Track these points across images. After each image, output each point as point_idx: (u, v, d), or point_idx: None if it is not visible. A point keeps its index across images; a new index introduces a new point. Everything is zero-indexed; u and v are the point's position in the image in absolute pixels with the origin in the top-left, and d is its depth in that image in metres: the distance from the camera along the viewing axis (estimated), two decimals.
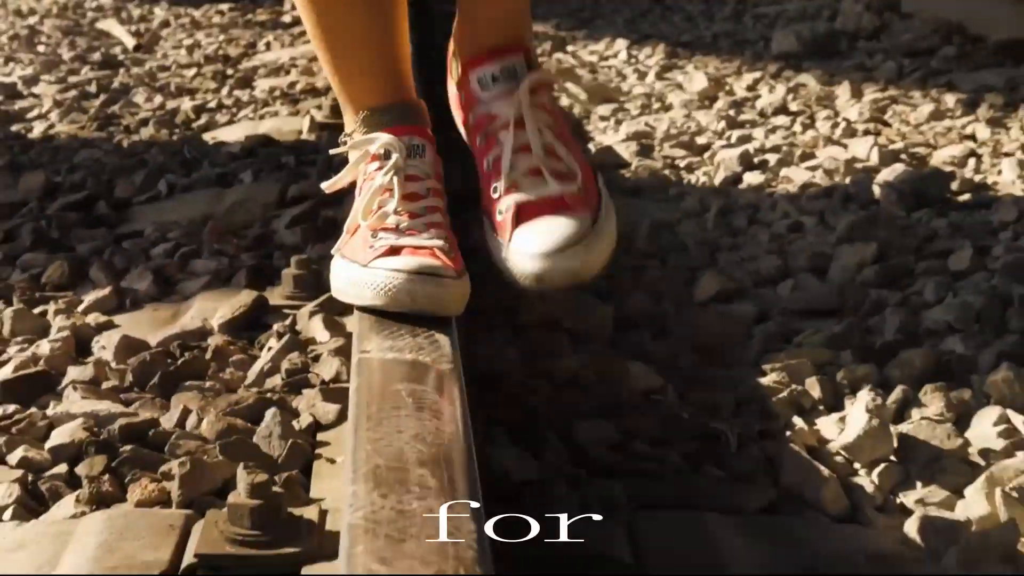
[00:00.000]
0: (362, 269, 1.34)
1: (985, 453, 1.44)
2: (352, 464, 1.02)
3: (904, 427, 1.48)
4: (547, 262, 1.30)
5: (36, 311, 1.83)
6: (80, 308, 1.85)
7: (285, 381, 1.52)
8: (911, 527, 1.28)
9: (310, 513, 1.18)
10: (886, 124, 3.04)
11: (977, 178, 2.56)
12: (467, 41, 1.44)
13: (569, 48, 4.23)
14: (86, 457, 1.37)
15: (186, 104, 3.31)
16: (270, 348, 1.61)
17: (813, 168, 2.63)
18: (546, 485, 1.24)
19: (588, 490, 1.26)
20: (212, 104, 3.32)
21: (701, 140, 2.92)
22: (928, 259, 2.06)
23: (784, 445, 1.41)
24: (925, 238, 2.17)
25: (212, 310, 1.77)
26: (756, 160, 2.71)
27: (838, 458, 1.43)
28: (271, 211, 2.27)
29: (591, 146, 2.91)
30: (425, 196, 1.38)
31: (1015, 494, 1.31)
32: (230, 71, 3.77)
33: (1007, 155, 2.70)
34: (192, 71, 3.78)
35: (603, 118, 3.20)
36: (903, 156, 2.68)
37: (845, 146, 2.79)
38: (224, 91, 3.50)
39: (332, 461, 1.34)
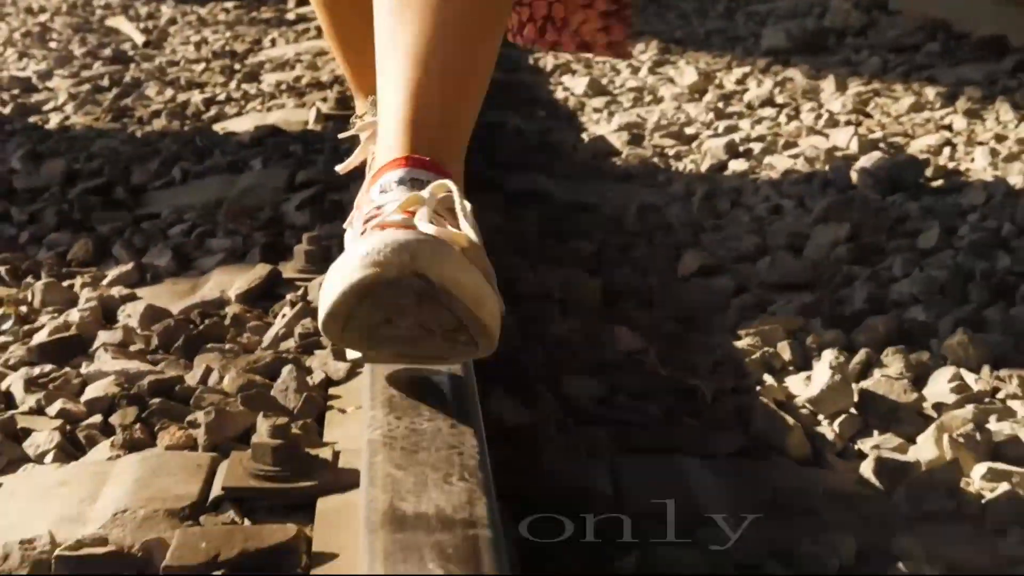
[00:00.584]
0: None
1: (938, 407, 1.58)
2: (370, 395, 1.16)
3: (865, 383, 1.62)
4: (387, 236, 1.09)
5: (64, 284, 1.97)
6: (105, 282, 1.98)
7: (299, 343, 1.65)
8: (866, 468, 1.42)
9: (324, 453, 1.31)
10: (868, 115, 3.18)
11: (951, 165, 2.69)
12: (379, 148, 1.30)
13: None
14: (118, 409, 1.50)
15: (196, 97, 3.45)
16: (284, 315, 1.74)
17: (795, 156, 2.76)
18: (536, 429, 1.38)
19: (575, 435, 1.40)
20: (221, 97, 3.45)
21: (690, 130, 3.05)
22: (899, 238, 2.19)
23: (755, 399, 1.55)
24: (897, 219, 2.30)
25: (229, 282, 1.91)
26: (741, 149, 2.84)
27: (803, 410, 1.57)
28: (280, 195, 2.40)
29: (584, 136, 3.05)
30: None
31: (961, 439, 1.45)
32: (237, 66, 3.90)
33: (980, 144, 2.84)
34: (201, 66, 3.91)
35: (596, 110, 3.34)
36: (881, 145, 2.82)
37: (827, 136, 2.93)
38: (232, 85, 3.63)
39: (343, 411, 1.47)
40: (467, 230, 1.16)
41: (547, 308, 1.79)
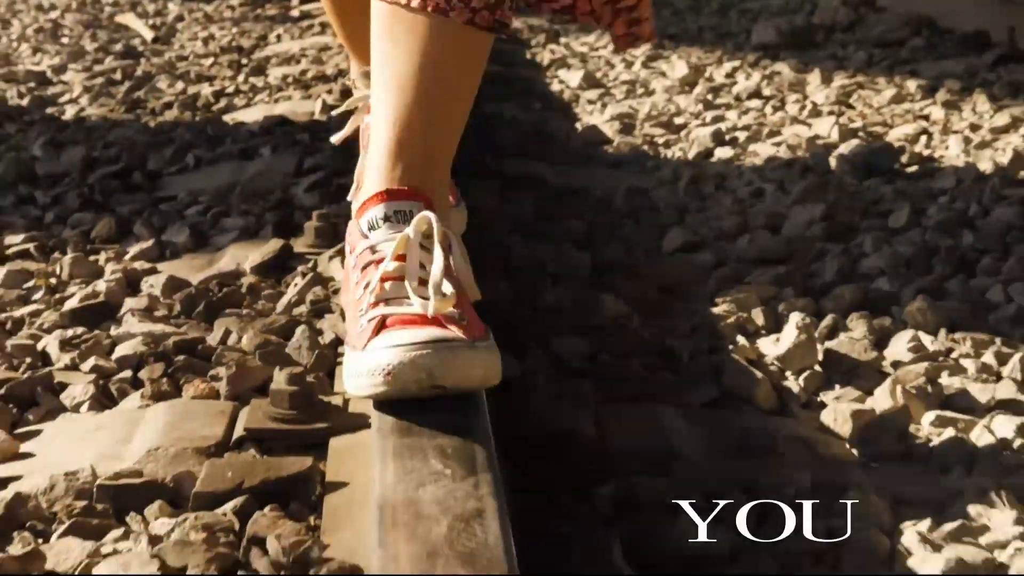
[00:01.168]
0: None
1: (896, 364, 1.72)
2: None
3: (829, 344, 1.76)
4: (401, 354, 1.20)
5: (90, 259, 2.11)
6: (127, 257, 2.12)
7: (310, 308, 1.80)
8: (826, 416, 1.56)
9: (336, 400, 1.46)
10: (850, 107, 3.32)
11: (926, 152, 2.83)
12: (365, 180, 1.42)
13: (562, 40, 4.51)
14: (146, 365, 1.65)
15: (206, 89, 3.59)
16: (296, 284, 1.88)
17: (778, 144, 2.90)
18: (527, 380, 1.52)
19: (562, 386, 1.54)
20: (230, 89, 3.60)
21: (679, 120, 3.20)
22: (871, 218, 2.34)
23: (727, 357, 1.69)
24: (871, 202, 2.44)
25: (244, 256, 2.05)
26: (727, 137, 2.98)
27: (772, 367, 1.71)
28: (289, 179, 2.54)
29: (578, 125, 3.20)
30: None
31: (913, 391, 1.59)
32: (245, 60, 4.05)
33: (955, 132, 2.98)
34: (209, 60, 4.06)
35: (590, 101, 3.48)
36: (861, 134, 2.96)
37: (809, 125, 3.07)
38: (240, 78, 3.77)
39: None
40: (437, 257, 1.28)
41: (539, 278, 1.93)
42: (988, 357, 1.72)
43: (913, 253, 2.10)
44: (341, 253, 1.95)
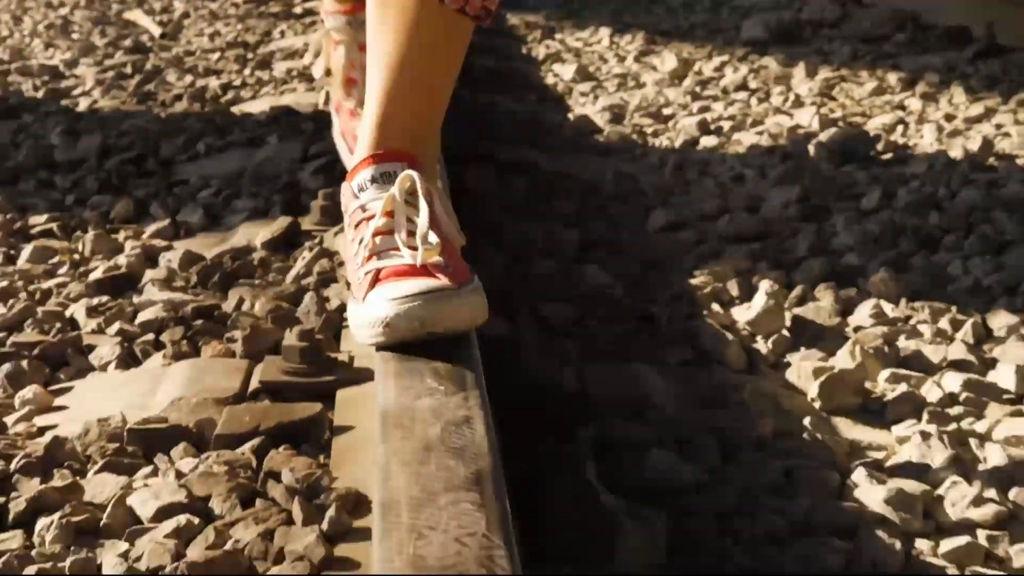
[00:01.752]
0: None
1: (858, 329, 1.87)
2: None
3: (797, 310, 1.90)
4: (395, 307, 1.33)
5: (110, 237, 2.25)
6: (145, 235, 2.27)
7: (317, 279, 1.94)
8: (791, 374, 1.71)
9: (342, 357, 1.60)
10: (832, 98, 3.46)
11: (901, 140, 2.98)
12: (356, 148, 1.56)
13: (557, 36, 4.65)
14: (167, 328, 1.79)
15: (213, 83, 3.73)
16: (304, 258, 2.03)
17: (761, 133, 3.05)
18: (517, 339, 1.66)
19: (548, 345, 1.69)
20: (237, 82, 3.74)
21: (667, 111, 3.34)
22: (845, 201, 2.48)
23: (702, 322, 1.84)
24: (846, 185, 2.59)
25: (254, 234, 2.19)
26: (713, 127, 3.13)
27: (743, 332, 1.86)
28: (296, 165, 2.68)
29: (570, 115, 3.34)
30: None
31: (871, 351, 1.73)
32: (250, 55, 4.19)
33: (930, 122, 3.12)
34: (216, 55, 4.20)
35: (583, 94, 3.62)
36: (840, 123, 3.10)
37: (791, 115, 3.22)
38: (246, 72, 3.92)
39: None
40: (422, 211, 1.41)
41: (530, 253, 2.07)
42: (944, 323, 1.87)
43: (881, 231, 2.25)
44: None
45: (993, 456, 1.47)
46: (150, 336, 1.78)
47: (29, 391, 1.62)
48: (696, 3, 5.24)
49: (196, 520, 1.27)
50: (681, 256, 2.19)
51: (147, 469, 1.41)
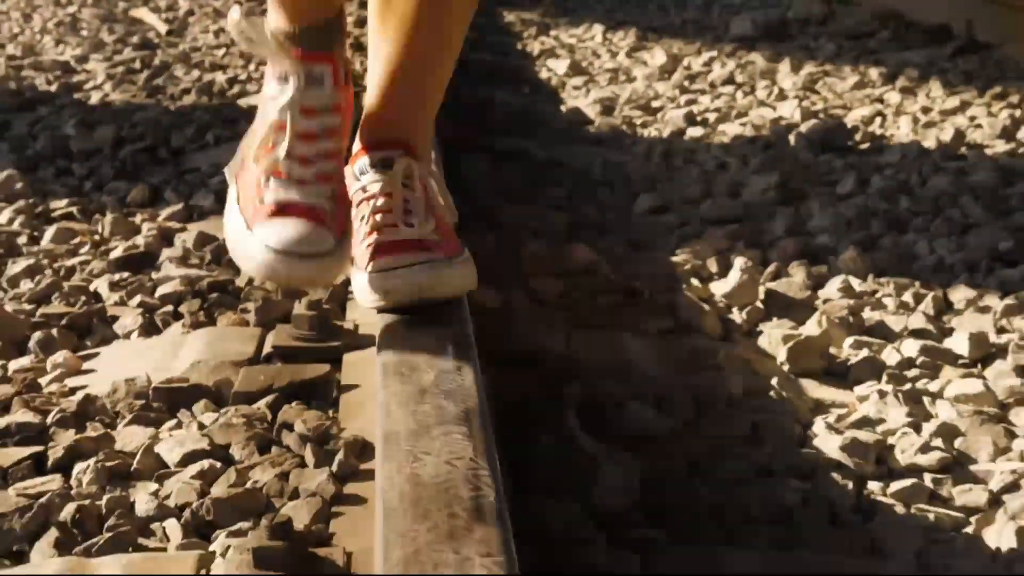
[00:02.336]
0: (247, 233, 1.46)
1: (826, 302, 2.01)
2: None
3: (771, 284, 2.05)
4: (394, 276, 1.41)
5: (128, 220, 2.39)
6: (160, 218, 2.41)
7: None
8: (762, 341, 1.85)
9: (347, 325, 1.74)
10: (815, 92, 3.60)
11: (879, 131, 3.12)
12: (359, 132, 1.58)
13: (552, 32, 4.79)
14: (185, 301, 1.93)
15: (220, 77, 3.87)
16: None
17: (744, 124, 3.19)
18: (509, 309, 1.80)
19: (539, 314, 1.83)
20: (242, 77, 3.88)
21: (656, 104, 3.48)
22: (821, 186, 2.62)
23: (683, 295, 1.98)
24: (823, 173, 2.73)
25: None
26: (699, 118, 3.27)
27: (720, 304, 2.00)
28: None
29: (563, 108, 3.48)
30: (319, 136, 1.47)
31: (837, 320, 1.87)
32: None
33: (907, 114, 3.26)
34: (221, 51, 4.34)
35: (576, 87, 3.77)
36: (821, 115, 3.24)
37: (775, 108, 3.36)
38: (251, 67, 4.05)
39: None
40: (418, 190, 1.50)
41: (522, 233, 2.21)
42: (907, 296, 2.01)
43: (854, 215, 2.39)
44: None
45: (943, 411, 1.61)
46: (169, 308, 1.92)
47: (59, 356, 1.76)
48: (688, 1, 5.38)
49: (218, 464, 1.41)
50: (665, 237, 2.33)
51: (171, 422, 1.55)
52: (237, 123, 3.19)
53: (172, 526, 1.31)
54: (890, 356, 1.80)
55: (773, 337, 1.84)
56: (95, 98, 3.66)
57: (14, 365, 1.77)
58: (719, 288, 2.05)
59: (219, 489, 1.36)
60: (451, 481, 1.01)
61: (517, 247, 2.13)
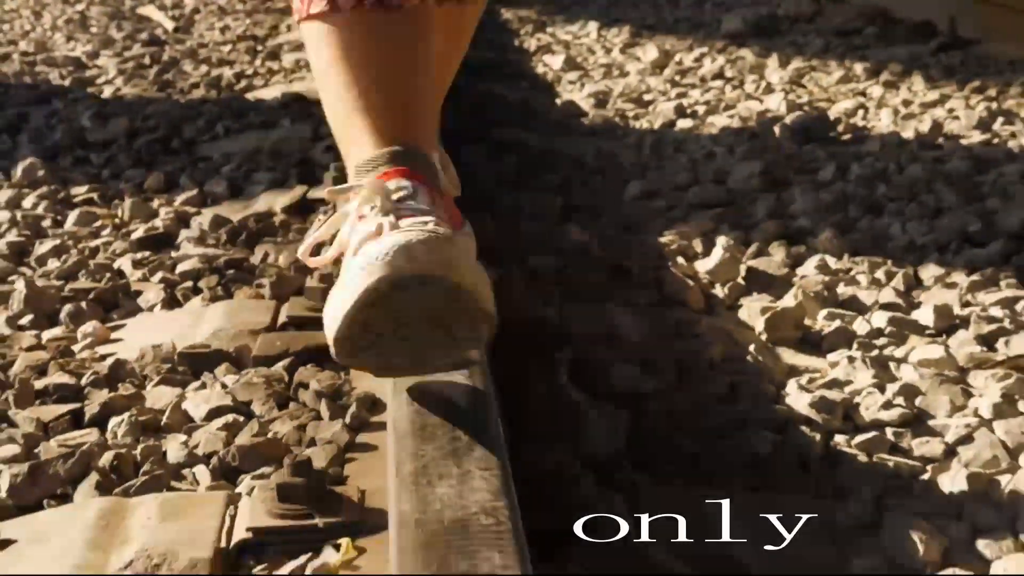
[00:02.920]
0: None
1: (803, 278, 2.14)
2: None
3: (751, 262, 2.18)
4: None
5: (146, 204, 2.53)
6: (176, 203, 2.54)
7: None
8: (742, 313, 1.98)
9: None
10: (802, 86, 3.74)
11: (861, 123, 3.26)
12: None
13: (548, 29, 4.93)
14: (204, 277, 2.06)
15: (227, 72, 4.01)
16: (320, 220, 2.30)
17: (732, 116, 3.33)
18: (506, 283, 1.94)
19: (534, 287, 1.96)
20: (249, 72, 4.02)
21: (648, 97, 3.62)
22: (803, 174, 2.76)
23: (669, 271, 2.12)
24: (806, 161, 2.87)
25: (274, 201, 2.47)
26: (689, 111, 3.41)
27: (704, 280, 2.14)
28: (308, 144, 2.96)
29: (558, 101, 3.62)
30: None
31: (812, 294, 2.01)
32: (260, 47, 4.47)
33: (888, 107, 3.40)
34: (228, 47, 4.48)
35: (571, 82, 3.91)
36: (805, 108, 3.38)
37: (761, 101, 3.50)
38: (257, 62, 4.19)
39: None
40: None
41: (519, 216, 2.35)
42: (879, 273, 2.14)
43: (833, 200, 2.52)
44: None
45: (906, 374, 1.75)
46: (189, 283, 2.06)
47: (89, 326, 1.90)
48: None
49: (241, 418, 1.55)
50: (653, 220, 2.47)
51: (196, 384, 1.68)
52: (245, 116, 3.33)
53: (201, 471, 1.45)
54: (861, 326, 1.93)
55: (752, 309, 1.97)
56: (108, 92, 3.79)
57: (47, 335, 1.90)
58: (703, 266, 2.18)
59: (243, 439, 1.49)
60: (455, 392, 1.15)
61: (514, 228, 2.26)
